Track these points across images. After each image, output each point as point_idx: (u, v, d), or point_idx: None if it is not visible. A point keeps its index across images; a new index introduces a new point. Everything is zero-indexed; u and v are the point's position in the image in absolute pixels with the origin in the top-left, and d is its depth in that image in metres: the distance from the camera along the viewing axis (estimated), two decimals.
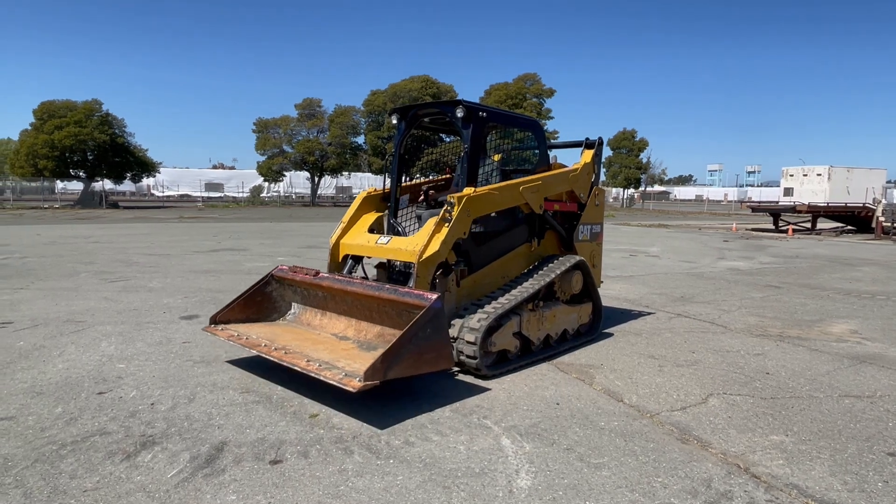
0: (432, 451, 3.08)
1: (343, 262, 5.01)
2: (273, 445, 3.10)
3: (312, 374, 3.48)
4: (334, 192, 60.03)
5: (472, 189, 4.51)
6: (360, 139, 49.27)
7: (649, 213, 43.10)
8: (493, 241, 4.99)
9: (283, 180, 50.91)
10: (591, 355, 5.02)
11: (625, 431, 3.40)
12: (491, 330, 4.27)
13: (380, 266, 5.15)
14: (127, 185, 47.13)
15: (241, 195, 52.08)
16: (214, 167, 78.54)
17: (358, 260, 5.05)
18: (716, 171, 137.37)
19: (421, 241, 4.27)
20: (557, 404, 3.82)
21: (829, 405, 3.93)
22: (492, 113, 4.97)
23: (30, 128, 36.62)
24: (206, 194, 54.93)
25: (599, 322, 5.61)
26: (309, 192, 51.36)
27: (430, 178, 5.95)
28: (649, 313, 6.89)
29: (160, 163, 45.67)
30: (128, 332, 5.52)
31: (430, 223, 4.36)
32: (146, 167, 40.97)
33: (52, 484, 2.65)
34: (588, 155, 5.88)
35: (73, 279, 8.51)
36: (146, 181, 48.67)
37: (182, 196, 55.52)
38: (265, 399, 3.78)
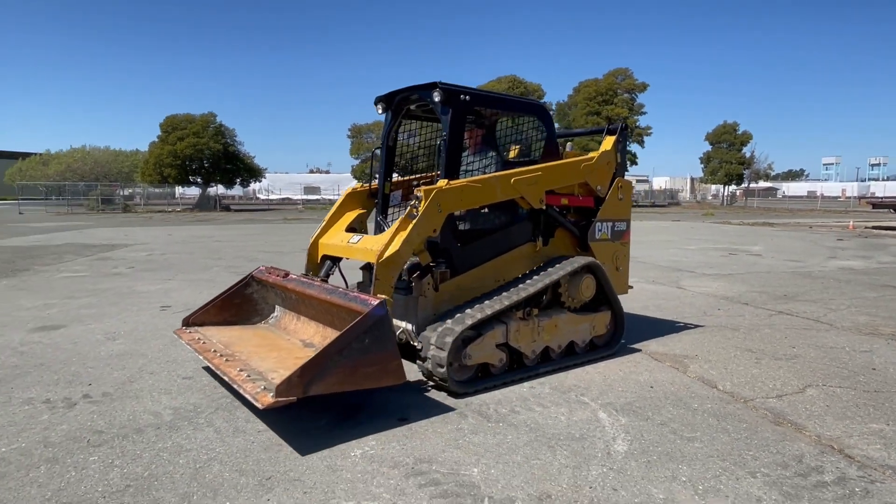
0: (535, 419, 3.49)
1: (321, 263, 4.61)
2: (399, 407, 3.64)
3: (234, 386, 3.22)
4: None
5: (446, 181, 4.04)
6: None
7: (753, 212, 40.51)
8: (485, 239, 4.50)
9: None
10: (685, 346, 5.18)
11: (718, 413, 3.61)
12: (466, 340, 3.84)
13: (364, 267, 4.69)
14: (236, 190, 51.37)
15: (336, 197, 54.90)
16: (311, 171, 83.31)
17: (336, 261, 4.60)
18: (832, 164, 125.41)
19: (383, 239, 3.88)
20: (651, 387, 4.08)
21: None
22: (477, 96, 4.39)
23: (156, 140, 40.99)
24: (305, 197, 58.52)
25: (620, 334, 4.93)
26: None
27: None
28: (748, 310, 6.83)
29: (265, 168, 49.34)
30: None
31: (399, 220, 3.97)
32: (253, 173, 44.45)
33: (234, 425, 3.35)
34: (609, 142, 5.16)
35: (207, 272, 9.75)
36: (252, 186, 52.74)
37: (284, 199, 59.53)
38: None
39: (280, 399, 2.91)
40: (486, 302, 4.05)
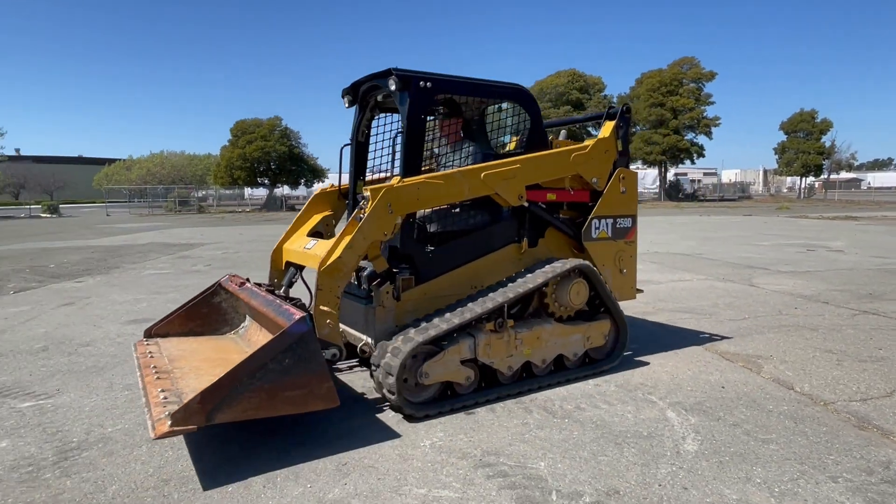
0: (601, 416, 3.49)
1: (286, 270, 4.29)
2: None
3: (146, 409, 2.89)
4: None
5: (398, 179, 3.66)
6: (507, 137, 50.00)
7: (833, 205, 37.95)
8: (458, 241, 4.04)
9: None
10: (758, 346, 4.99)
11: (795, 415, 3.48)
12: (423, 356, 3.48)
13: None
14: (300, 190, 53.26)
15: None
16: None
17: (300, 268, 4.25)
18: None
19: (328, 245, 3.56)
20: (722, 387, 3.98)
21: None
22: (440, 81, 3.88)
23: (227, 143, 43.15)
24: None
25: (622, 346, 4.42)
26: None
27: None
28: (828, 310, 6.47)
29: (328, 169, 50.87)
30: None
31: (347, 223, 3.64)
32: (317, 173, 45.94)
33: (312, 413, 3.55)
34: (608, 127, 4.57)
35: None
36: (316, 186, 54.51)
37: None
38: None
39: (176, 428, 2.61)
40: (447, 314, 3.59)
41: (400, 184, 3.59)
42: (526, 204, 4.13)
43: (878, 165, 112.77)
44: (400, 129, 3.90)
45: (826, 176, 52.32)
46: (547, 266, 4.09)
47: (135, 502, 2.59)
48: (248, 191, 51.79)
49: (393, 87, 3.76)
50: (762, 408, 3.60)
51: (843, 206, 36.07)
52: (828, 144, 48.26)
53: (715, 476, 2.75)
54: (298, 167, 43.48)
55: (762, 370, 4.35)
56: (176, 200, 41.60)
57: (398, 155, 4.00)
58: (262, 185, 44.51)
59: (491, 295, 3.78)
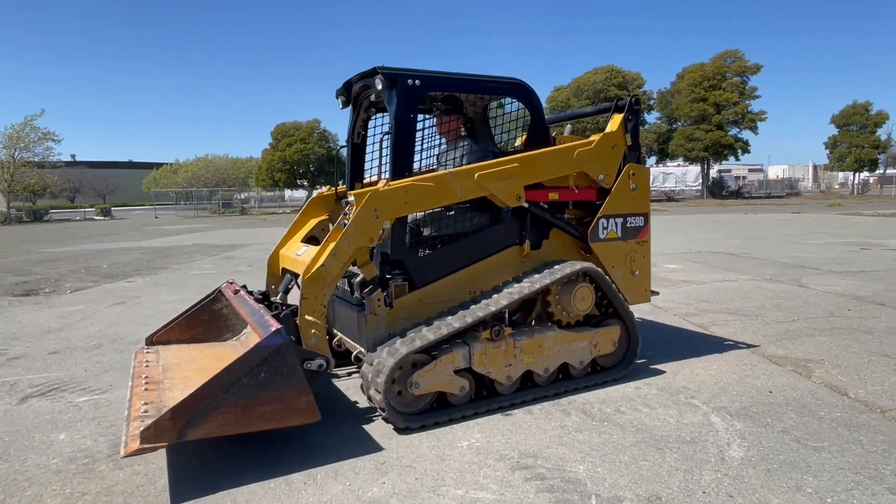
0: (642, 420, 3.42)
1: (282, 276, 4.16)
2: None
3: (125, 422, 2.83)
4: None
5: (385, 182, 3.53)
6: (512, 135, 49.57)
7: (890, 201, 36.07)
8: (453, 245, 3.85)
9: None
10: (808, 350, 4.79)
11: (849, 422, 3.33)
12: (413, 365, 3.35)
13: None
14: None
15: None
16: None
17: (296, 275, 3.99)
18: None
19: (313, 252, 3.45)
20: (770, 392, 3.84)
21: None
22: (431, 79, 3.71)
23: (268, 147, 44.22)
24: None
25: (634, 353, 4.19)
26: None
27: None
28: (885, 312, 6.15)
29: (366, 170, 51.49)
30: None
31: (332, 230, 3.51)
32: None
33: (353, 410, 3.60)
34: (615, 121, 4.33)
35: None
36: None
37: None
38: None
39: (145, 446, 2.52)
40: (437, 322, 3.46)
41: (386, 188, 3.45)
42: (525, 205, 3.93)
43: None
44: (387, 130, 3.71)
45: (882, 171, 49.77)
46: (547, 269, 3.89)
47: (181, 493, 2.68)
48: (287, 192, 52.93)
49: (380, 86, 3.62)
50: (813, 414, 3.46)
51: None
52: (884, 138, 45.90)
53: (762, 484, 2.66)
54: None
55: (813, 375, 4.18)
56: (220, 203, 42.88)
57: (385, 157, 3.78)
58: (302, 186, 45.43)
59: (483, 302, 3.60)
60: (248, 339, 3.90)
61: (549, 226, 4.17)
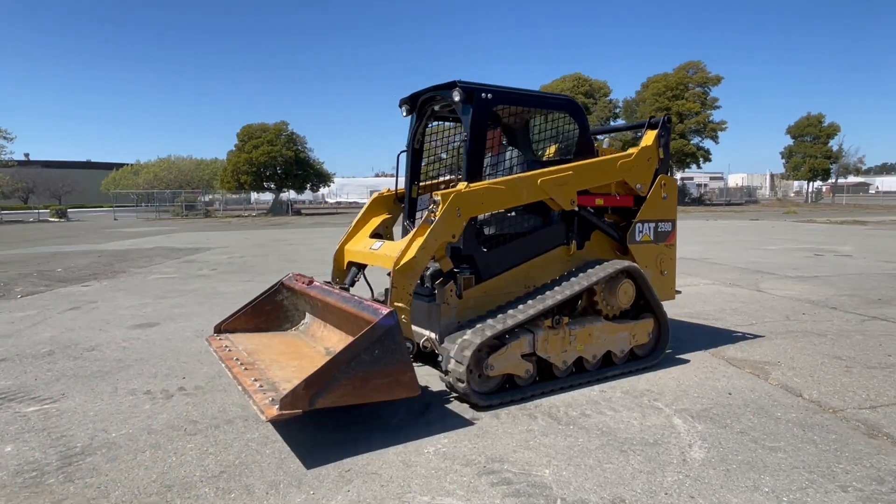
0: (607, 423, 3.45)
1: (347, 270, 4.53)
2: (468, 408, 3.71)
3: (246, 396, 3.14)
4: None
5: (465, 184, 3.89)
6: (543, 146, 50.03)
7: (841, 209, 37.69)
8: (512, 244, 4.29)
9: None
10: (766, 352, 4.94)
11: (803, 423, 3.44)
12: (488, 349, 3.70)
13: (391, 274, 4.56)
14: (306, 195, 53.42)
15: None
16: (377, 175, 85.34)
17: (361, 268, 4.52)
18: None
19: (401, 246, 3.78)
20: (729, 394, 3.93)
21: None
22: (500, 93, 4.16)
23: (234, 148, 43.35)
24: None
25: (665, 344, 4.61)
26: None
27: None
28: (837, 315, 6.40)
29: (334, 173, 51.00)
30: None
31: (418, 226, 3.87)
32: (323, 178, 46.07)
33: (314, 419, 3.54)
34: (650, 137, 4.86)
35: (282, 274, 10.19)
36: (322, 190, 54.66)
37: (351, 203, 61.28)
38: None
39: (284, 412, 2.83)
40: (510, 311, 3.85)
41: (467, 189, 3.84)
42: (577, 208, 4.37)
43: (886, 170, 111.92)
44: (463, 138, 4.14)
45: (834, 180, 51.99)
46: (597, 267, 4.34)
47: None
48: (254, 195, 51.98)
49: (457, 98, 4.00)
50: (770, 415, 3.56)
51: (850, 210, 35.82)
52: (835, 148, 48.00)
53: (722, 484, 2.72)
54: (304, 171, 43.60)
55: (770, 376, 4.31)
56: (183, 205, 41.81)
57: (444, 162, 4.20)
58: (269, 189, 44.67)
59: (549, 293, 4.03)
60: (311, 327, 4.43)
61: (591, 228, 4.65)
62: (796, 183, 57.01)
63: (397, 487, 2.72)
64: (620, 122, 46.54)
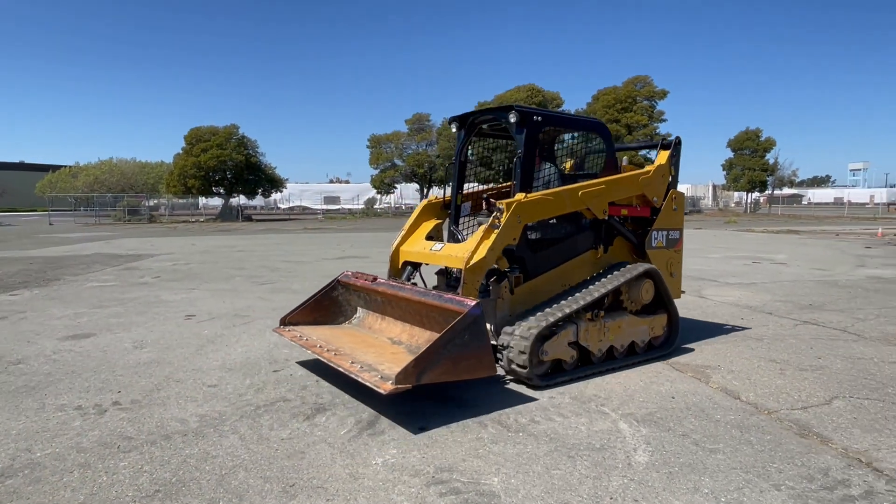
0: (555, 429, 3.49)
1: (402, 269, 5.14)
2: (419, 416, 3.68)
3: (352, 376, 3.60)
4: None
5: (523, 195, 4.47)
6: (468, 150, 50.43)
7: (777, 219, 39.78)
8: (553, 247, 4.91)
9: (394, 192, 53.50)
10: (707, 357, 5.12)
11: (741, 424, 3.57)
12: (543, 338, 4.19)
13: (439, 273, 5.32)
14: (257, 200, 52.10)
15: (355, 207, 55.45)
16: (331, 181, 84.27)
17: (416, 266, 5.16)
18: (859, 170, 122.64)
19: (469, 247, 4.34)
20: (673, 398, 4.05)
21: None
22: (547, 116, 4.92)
23: (181, 151, 41.87)
24: (325, 207, 59.07)
25: (675, 336, 5.24)
26: (418, 202, 53.45)
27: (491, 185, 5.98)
28: (772, 320, 6.72)
29: (287, 179, 50.03)
30: None
31: (481, 229, 4.44)
32: (275, 183, 45.07)
33: (258, 433, 3.42)
34: (663, 156, 5.56)
35: (230, 282, 9.92)
36: (274, 196, 53.48)
37: (304, 209, 60.24)
38: None
39: (399, 386, 3.32)
40: (561, 303, 4.43)
41: (525, 199, 4.42)
42: (606, 217, 5.03)
43: (817, 182, 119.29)
44: (518, 154, 4.72)
45: (770, 191, 54.85)
46: (625, 269, 4.96)
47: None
48: (202, 200, 50.34)
49: (513, 120, 4.63)
50: (710, 417, 3.68)
51: (785, 220, 37.86)
52: (771, 162, 50.69)
53: (665, 487, 2.78)
54: (256, 176, 42.56)
55: (711, 380, 4.46)
56: (125, 210, 39.98)
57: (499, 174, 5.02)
58: (218, 194, 43.34)
59: (591, 288, 4.64)
60: (364, 321, 5.04)
61: (615, 235, 5.29)
62: (736, 194, 59.78)
63: (343, 501, 2.66)
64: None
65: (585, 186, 4.84)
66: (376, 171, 51.02)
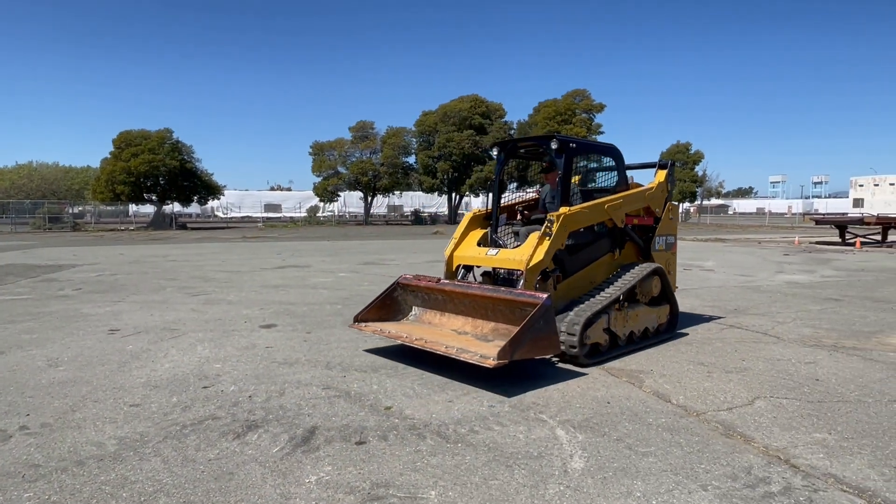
0: (494, 438, 3.48)
1: (457, 271, 6.06)
2: (356, 430, 3.58)
3: (452, 356, 4.41)
4: (386, 210, 61.68)
5: (567, 208, 5.39)
6: (412, 159, 50.48)
7: (706, 228, 41.98)
8: (583, 251, 5.88)
9: (337, 200, 52.72)
10: (640, 362, 5.29)
11: (671, 427, 3.69)
12: (587, 325, 5.02)
13: (485, 274, 6.20)
14: (193, 208, 50.07)
15: (298, 215, 54.27)
16: (272, 189, 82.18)
17: (469, 269, 6.13)
18: (778, 182, 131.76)
19: (527, 251, 5.25)
20: (608, 403, 4.14)
21: (876, 408, 4.07)
22: (580, 144, 6.23)
23: (109, 156, 39.69)
24: (265, 215, 57.47)
25: (676, 322, 6.33)
26: (362, 211, 52.91)
27: (518, 196, 7.10)
28: (700, 324, 7.04)
29: (224, 186, 48.33)
30: (216, 338, 6.20)
31: (533, 237, 5.34)
32: (212, 190, 43.48)
33: (183, 454, 3.22)
34: (661, 175, 6.78)
35: (160, 293, 9.42)
36: (211, 203, 51.51)
37: (244, 217, 58.33)
38: (344, 394, 4.29)
39: (500, 361, 4.11)
40: (599, 297, 5.37)
41: (570, 212, 5.38)
42: (623, 225, 6.10)
43: (742, 193, 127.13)
44: (559, 175, 5.82)
45: (699, 202, 57.89)
46: (637, 268, 5.95)
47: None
48: (133, 207, 47.84)
49: (554, 147, 5.68)
50: (643, 421, 3.79)
51: (713, 229, 40.01)
52: (700, 174, 53.54)
53: (599, 493, 2.82)
54: (191, 183, 40.91)
55: (644, 384, 4.60)
56: (45, 217, 37.39)
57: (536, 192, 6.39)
58: (150, 201, 41.34)
59: (617, 285, 5.57)
60: (422, 317, 5.85)
61: (626, 240, 6.31)
62: None
63: None
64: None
65: (610, 201, 5.86)
66: (319, 179, 50.14)
